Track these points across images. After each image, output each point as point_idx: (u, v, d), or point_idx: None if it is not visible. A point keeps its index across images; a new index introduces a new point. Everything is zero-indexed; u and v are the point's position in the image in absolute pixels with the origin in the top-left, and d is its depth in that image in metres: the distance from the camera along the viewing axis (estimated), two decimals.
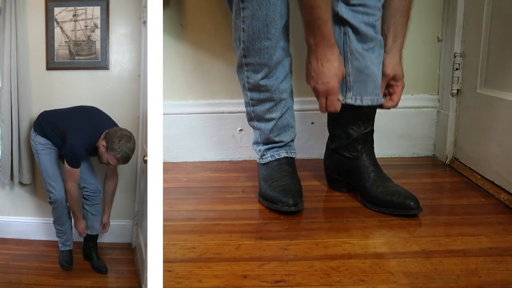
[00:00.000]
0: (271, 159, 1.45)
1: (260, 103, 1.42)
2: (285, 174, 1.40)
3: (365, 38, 1.31)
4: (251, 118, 1.47)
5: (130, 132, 1.63)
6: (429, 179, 1.63)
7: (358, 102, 1.35)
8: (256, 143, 1.51)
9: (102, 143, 1.60)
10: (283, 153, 1.45)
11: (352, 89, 1.35)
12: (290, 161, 1.46)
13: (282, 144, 1.46)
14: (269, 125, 1.43)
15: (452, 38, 1.68)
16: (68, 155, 1.64)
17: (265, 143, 1.47)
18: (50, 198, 1.74)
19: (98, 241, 1.84)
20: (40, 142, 1.71)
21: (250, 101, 1.43)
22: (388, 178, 1.37)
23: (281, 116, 1.43)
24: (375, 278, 0.96)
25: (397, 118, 1.82)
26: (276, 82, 1.38)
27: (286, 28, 1.36)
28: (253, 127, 1.49)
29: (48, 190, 1.73)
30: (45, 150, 1.72)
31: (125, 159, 1.60)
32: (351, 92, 1.35)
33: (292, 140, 1.49)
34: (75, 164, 1.64)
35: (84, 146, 1.63)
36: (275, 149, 1.46)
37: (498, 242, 1.10)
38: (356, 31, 1.30)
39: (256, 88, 1.40)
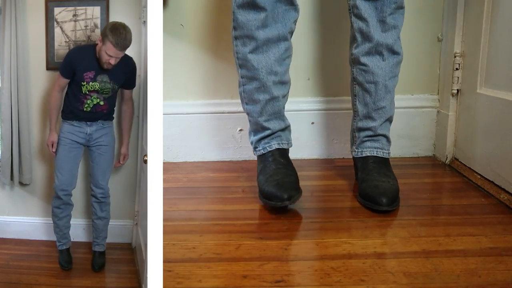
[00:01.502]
0: (263, 152, 1.45)
1: (249, 82, 1.42)
2: (279, 167, 1.40)
3: None
4: (242, 100, 1.48)
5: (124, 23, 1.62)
6: (429, 179, 1.63)
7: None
8: (249, 134, 1.52)
9: (98, 40, 1.61)
10: (274, 145, 1.45)
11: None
12: (282, 152, 1.45)
13: (270, 132, 1.45)
14: (257, 107, 1.43)
15: (452, 38, 1.68)
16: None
17: (255, 132, 1.47)
18: (54, 184, 1.75)
19: None
20: (63, 130, 1.73)
21: (241, 80, 1.44)
22: (385, 173, 1.39)
23: (270, 99, 1.42)
24: (375, 278, 0.96)
25: (397, 118, 1.81)
26: (265, 60, 1.38)
27: (285, 13, 1.38)
28: (246, 113, 1.50)
29: (55, 175, 1.74)
30: (62, 140, 1.72)
31: (122, 42, 1.57)
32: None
33: (282, 130, 1.47)
34: (61, 69, 1.68)
35: (78, 57, 1.65)
36: (265, 140, 1.46)
37: (498, 242, 1.10)
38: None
39: (245, 63, 1.40)
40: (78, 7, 1.85)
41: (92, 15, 1.86)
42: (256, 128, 1.47)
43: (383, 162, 1.44)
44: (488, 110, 1.49)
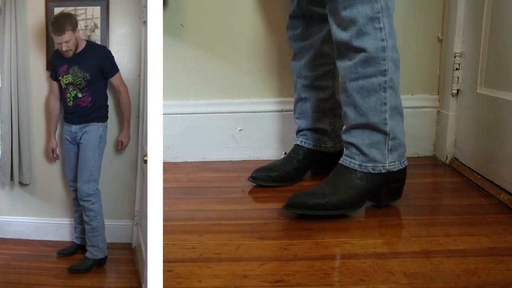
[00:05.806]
0: (294, 143, 1.63)
1: (293, 83, 1.63)
2: (286, 158, 1.59)
3: None
4: None
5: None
6: (429, 179, 1.63)
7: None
8: None
9: None
10: (297, 141, 1.62)
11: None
12: (297, 148, 1.60)
13: (298, 129, 1.63)
14: (293, 105, 1.64)
15: (452, 38, 1.68)
16: None
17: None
18: None
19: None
20: (64, 130, 1.78)
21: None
22: (331, 181, 1.29)
23: (298, 100, 1.60)
24: (375, 278, 0.96)
25: None
26: (297, 65, 1.58)
27: (321, 28, 1.52)
28: None
29: None
30: (64, 141, 1.77)
31: (55, 27, 1.61)
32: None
33: (310, 130, 1.59)
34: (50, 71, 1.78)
35: (55, 57, 1.74)
36: (298, 134, 1.64)
37: (498, 242, 1.10)
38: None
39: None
40: (78, 7, 1.85)
41: (92, 15, 1.85)
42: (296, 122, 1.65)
43: (341, 171, 1.28)
44: (488, 110, 1.49)
